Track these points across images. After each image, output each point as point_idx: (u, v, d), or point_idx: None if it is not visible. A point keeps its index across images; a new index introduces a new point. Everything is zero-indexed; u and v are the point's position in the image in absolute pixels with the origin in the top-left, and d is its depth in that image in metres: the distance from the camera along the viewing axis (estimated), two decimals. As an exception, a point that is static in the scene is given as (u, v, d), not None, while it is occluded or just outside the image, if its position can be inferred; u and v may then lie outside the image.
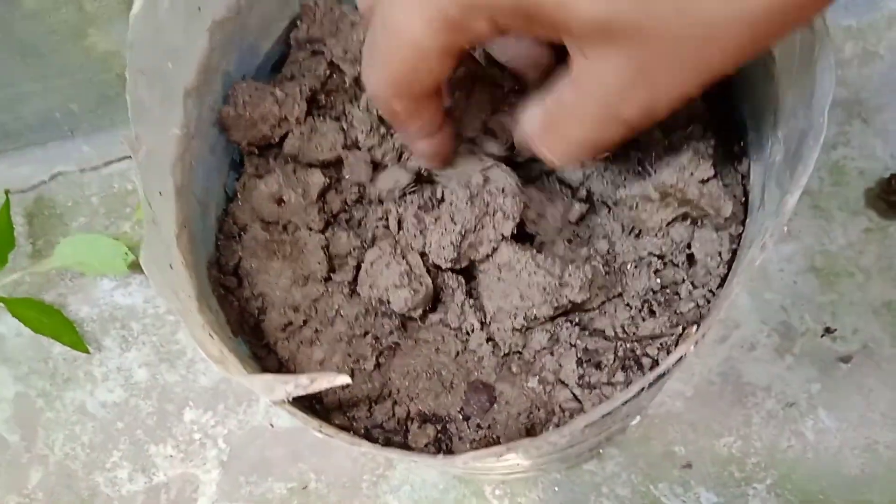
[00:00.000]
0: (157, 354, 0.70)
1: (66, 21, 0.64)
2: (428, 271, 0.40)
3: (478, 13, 0.27)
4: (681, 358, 0.33)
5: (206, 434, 0.68)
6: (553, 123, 0.31)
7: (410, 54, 0.29)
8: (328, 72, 0.45)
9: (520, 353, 0.40)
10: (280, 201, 0.43)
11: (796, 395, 0.63)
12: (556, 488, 0.62)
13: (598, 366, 0.39)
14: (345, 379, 0.31)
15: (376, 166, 0.44)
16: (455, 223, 0.38)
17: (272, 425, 0.67)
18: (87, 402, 0.70)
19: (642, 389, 0.32)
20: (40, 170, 0.77)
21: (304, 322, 0.41)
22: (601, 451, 0.62)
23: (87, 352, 0.71)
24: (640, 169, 0.42)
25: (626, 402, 0.32)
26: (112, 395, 0.70)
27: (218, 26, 0.41)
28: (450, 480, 0.64)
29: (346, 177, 0.44)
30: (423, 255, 0.40)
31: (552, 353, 0.39)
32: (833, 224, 0.67)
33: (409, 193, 0.43)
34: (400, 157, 0.43)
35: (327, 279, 0.42)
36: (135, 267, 0.71)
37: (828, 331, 0.66)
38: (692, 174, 0.39)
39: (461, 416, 0.39)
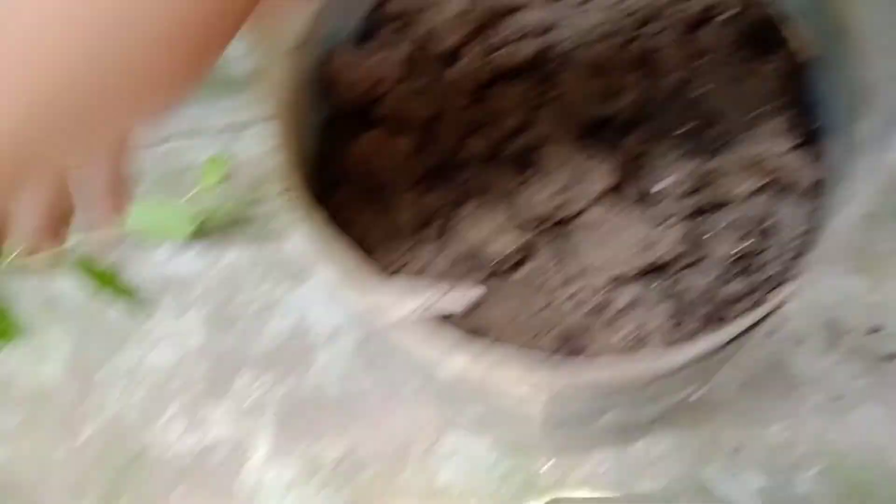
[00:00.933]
0: (213, 319, 0.72)
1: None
2: (520, 226, 0.41)
3: None
4: (768, 314, 0.35)
5: (259, 397, 0.69)
6: None
7: None
8: (418, 44, 0.47)
9: (605, 309, 0.41)
10: (373, 160, 0.45)
11: (843, 389, 0.64)
12: (607, 465, 0.63)
13: (681, 324, 0.40)
14: (479, 290, 0.33)
15: (464, 133, 0.45)
16: (553, 181, 0.40)
17: (323, 392, 0.69)
18: (141, 362, 0.72)
19: (735, 337, 0.34)
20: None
21: (396, 273, 0.43)
22: (651, 429, 0.63)
23: (142, 314, 0.73)
24: (720, 144, 0.43)
25: (720, 348, 0.34)
26: (167, 357, 0.71)
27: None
28: (501, 452, 0.65)
29: (434, 141, 0.46)
30: (515, 209, 0.42)
31: (636, 311, 0.41)
32: (881, 225, 0.68)
33: (500, 154, 0.45)
34: (486, 124, 0.45)
35: (416, 233, 0.44)
36: (197, 234, 0.73)
37: (874, 329, 0.67)
38: (772, 146, 0.41)
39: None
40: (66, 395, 0.72)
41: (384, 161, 0.44)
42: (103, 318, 0.74)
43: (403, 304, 0.33)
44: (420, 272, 0.43)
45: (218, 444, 0.68)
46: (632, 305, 0.41)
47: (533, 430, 0.54)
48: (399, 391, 0.68)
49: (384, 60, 0.45)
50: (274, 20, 0.39)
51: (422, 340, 0.35)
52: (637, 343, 0.40)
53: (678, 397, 0.51)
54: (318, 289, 0.72)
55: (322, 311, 0.71)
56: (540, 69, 0.45)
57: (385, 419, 0.67)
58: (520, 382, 0.35)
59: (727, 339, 0.34)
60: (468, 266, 0.43)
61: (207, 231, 0.75)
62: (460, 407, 0.58)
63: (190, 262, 0.75)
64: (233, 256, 0.74)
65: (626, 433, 0.62)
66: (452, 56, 0.46)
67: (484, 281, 0.43)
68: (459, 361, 0.33)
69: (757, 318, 0.34)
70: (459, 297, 0.33)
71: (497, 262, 0.41)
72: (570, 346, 0.40)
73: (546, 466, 0.64)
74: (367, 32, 0.50)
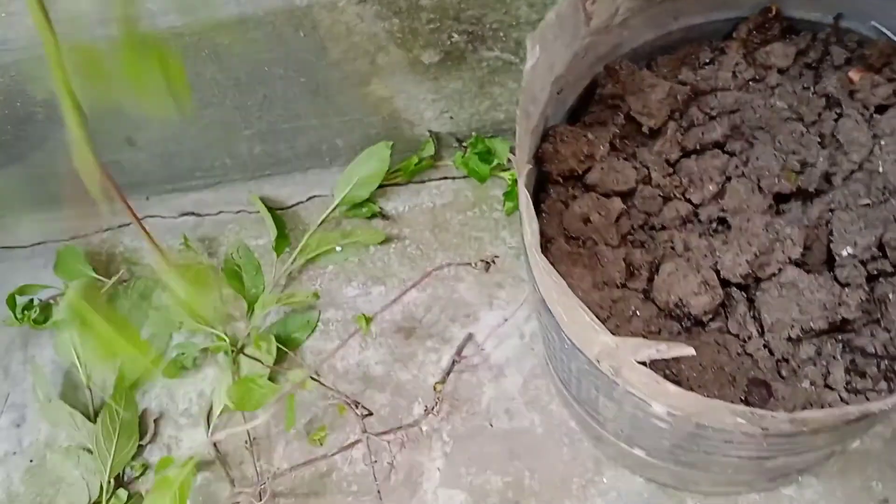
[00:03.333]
0: (392, 356, 0.81)
1: (357, 70, 0.78)
2: (719, 284, 0.49)
3: None
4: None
5: (433, 427, 0.77)
6: None
7: None
8: (624, 122, 0.56)
9: (789, 360, 0.48)
10: (587, 220, 0.53)
11: None
12: (756, 509, 0.68)
13: (862, 375, 0.46)
14: (690, 350, 0.40)
15: (664, 199, 0.54)
16: (751, 245, 0.47)
17: (491, 425, 0.76)
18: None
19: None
20: (299, 192, 0.91)
21: (606, 318, 0.51)
22: (799, 478, 0.68)
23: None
24: None
25: None
26: (351, 387, 0.81)
27: (556, 80, 0.53)
28: (655, 490, 0.71)
29: (637, 206, 0.54)
30: (715, 269, 0.49)
31: (817, 364, 0.47)
32: None
33: (689, 222, 0.53)
34: (684, 192, 0.53)
35: (623, 286, 0.52)
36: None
37: None
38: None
39: (743, 405, 0.47)
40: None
41: (594, 223, 0.53)
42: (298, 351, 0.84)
43: (637, 351, 0.41)
44: (629, 319, 0.51)
45: (395, 467, 0.76)
46: (813, 358, 0.47)
47: (695, 472, 0.60)
48: (561, 428, 0.75)
49: (595, 139, 0.54)
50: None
51: (643, 381, 0.43)
52: (824, 389, 0.47)
53: (839, 447, 0.56)
54: (486, 329, 0.80)
55: (490, 347, 0.79)
56: (731, 145, 0.53)
57: (549, 453, 0.74)
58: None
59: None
60: (672, 315, 0.51)
61: (386, 277, 0.85)
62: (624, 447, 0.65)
63: (371, 302, 0.84)
64: (413, 294, 0.83)
65: (776, 481, 0.67)
66: (655, 132, 0.55)
67: (685, 329, 0.51)
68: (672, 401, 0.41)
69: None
70: (676, 350, 0.40)
71: (703, 312, 0.48)
72: (758, 392, 0.46)
73: (699, 506, 0.69)
74: (577, 109, 0.58)
